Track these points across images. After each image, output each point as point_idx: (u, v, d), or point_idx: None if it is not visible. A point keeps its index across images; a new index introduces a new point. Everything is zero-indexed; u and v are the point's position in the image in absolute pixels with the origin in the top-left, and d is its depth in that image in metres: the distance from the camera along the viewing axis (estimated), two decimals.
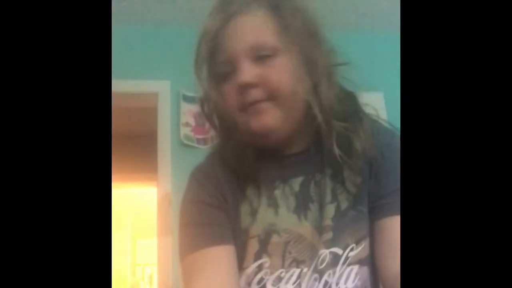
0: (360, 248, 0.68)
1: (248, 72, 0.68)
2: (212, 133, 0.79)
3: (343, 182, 0.70)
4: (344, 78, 0.82)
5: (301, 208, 0.70)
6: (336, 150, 0.69)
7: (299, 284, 0.67)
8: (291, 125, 0.70)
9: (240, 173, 0.74)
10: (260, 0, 0.71)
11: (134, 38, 2.36)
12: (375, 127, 0.75)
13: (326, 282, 0.67)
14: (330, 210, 0.69)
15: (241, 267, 0.70)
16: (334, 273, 0.67)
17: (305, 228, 0.69)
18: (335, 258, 0.68)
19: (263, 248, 0.70)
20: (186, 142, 2.28)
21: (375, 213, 0.70)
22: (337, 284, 0.67)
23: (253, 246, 0.71)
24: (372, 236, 0.70)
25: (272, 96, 0.68)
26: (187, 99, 2.29)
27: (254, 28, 0.69)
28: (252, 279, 0.70)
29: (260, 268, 0.70)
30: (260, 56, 0.68)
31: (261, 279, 0.69)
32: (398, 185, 0.65)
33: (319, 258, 0.68)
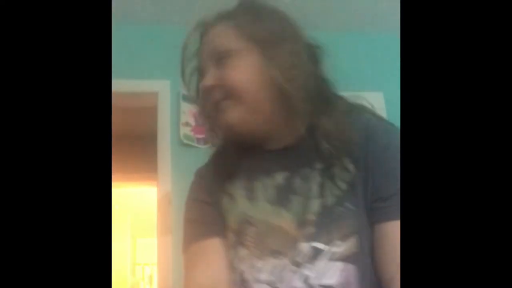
0: (345, 245, 0.67)
1: (210, 75, 0.75)
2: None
3: (333, 178, 0.70)
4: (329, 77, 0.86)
5: (282, 200, 0.71)
6: (323, 143, 0.71)
7: (275, 274, 0.68)
8: (256, 120, 0.74)
9: (222, 169, 0.80)
10: (229, 13, 0.80)
11: (134, 38, 2.36)
12: (371, 125, 0.75)
13: (305, 276, 0.67)
14: (315, 204, 0.69)
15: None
16: (314, 267, 0.67)
17: (285, 220, 0.70)
18: (317, 253, 0.67)
19: (240, 239, 0.73)
20: (186, 141, 2.28)
21: (374, 216, 0.69)
22: (316, 278, 0.66)
23: (231, 237, 0.74)
24: (372, 240, 0.69)
25: (231, 95, 0.73)
26: (187, 98, 2.29)
27: (217, 36, 0.77)
28: (233, 270, 0.72)
29: (239, 259, 0.72)
30: (221, 60, 0.75)
31: (242, 271, 0.71)
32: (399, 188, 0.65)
33: (298, 251, 0.68)
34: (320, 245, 0.67)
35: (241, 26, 0.76)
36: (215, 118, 0.76)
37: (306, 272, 0.67)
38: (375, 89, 2.37)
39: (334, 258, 0.67)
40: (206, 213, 0.80)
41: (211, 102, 0.76)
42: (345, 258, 0.67)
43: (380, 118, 0.79)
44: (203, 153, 0.95)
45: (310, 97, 0.74)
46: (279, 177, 0.74)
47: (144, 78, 2.35)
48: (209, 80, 0.75)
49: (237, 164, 0.79)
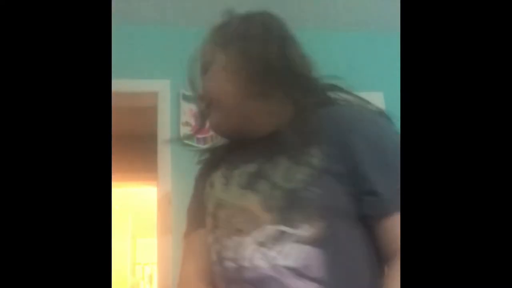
0: (311, 229, 0.68)
1: (199, 87, 0.85)
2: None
3: (299, 163, 0.72)
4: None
5: (252, 185, 0.75)
6: (289, 131, 0.76)
7: (239, 253, 0.72)
8: (234, 120, 0.81)
9: (210, 163, 0.91)
10: (216, 31, 0.86)
11: (134, 38, 2.36)
12: (356, 117, 0.76)
13: (267, 256, 0.69)
14: (280, 190, 0.72)
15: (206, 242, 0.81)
16: (277, 248, 0.68)
17: (252, 202, 0.73)
18: (281, 235, 0.69)
19: (216, 222, 0.78)
20: (186, 141, 2.29)
21: (365, 208, 0.70)
22: (278, 259, 0.68)
23: (209, 221, 0.81)
24: (363, 231, 0.71)
25: (211, 103, 0.83)
26: (187, 98, 2.29)
27: (203, 53, 0.86)
28: (211, 251, 0.78)
29: (215, 240, 0.78)
30: (204, 71, 0.84)
31: (217, 250, 0.76)
32: (395, 185, 0.64)
33: (262, 232, 0.70)
34: (283, 228, 0.69)
35: (218, 45, 0.84)
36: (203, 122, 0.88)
37: (269, 252, 0.69)
38: (375, 89, 2.37)
39: (297, 240, 0.68)
40: (194, 206, 0.91)
41: (200, 109, 0.89)
42: (309, 242, 0.68)
43: (374, 112, 0.78)
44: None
45: (282, 95, 0.80)
46: (254, 165, 0.78)
47: (144, 78, 2.35)
48: (196, 92, 0.86)
49: (222, 156, 0.88)
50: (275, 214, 0.70)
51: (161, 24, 2.42)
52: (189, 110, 2.30)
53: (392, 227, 0.67)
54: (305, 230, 0.68)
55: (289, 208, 0.70)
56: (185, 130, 2.32)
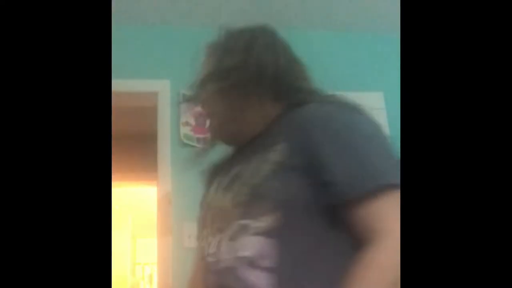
0: (266, 221, 0.72)
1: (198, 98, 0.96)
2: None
3: (264, 161, 0.77)
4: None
5: (229, 186, 0.82)
6: (264, 132, 0.84)
7: (217, 248, 0.78)
8: (224, 128, 0.89)
9: (210, 171, 0.97)
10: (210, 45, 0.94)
11: (134, 38, 2.36)
12: (311, 114, 0.77)
13: (233, 248, 0.75)
14: (246, 186, 0.77)
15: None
16: (240, 241, 0.74)
17: (227, 203, 0.80)
18: (244, 229, 0.74)
19: (204, 223, 0.86)
20: (186, 141, 2.28)
21: (325, 199, 0.71)
22: (239, 250, 0.73)
23: (200, 224, 0.89)
24: (328, 220, 0.72)
25: (206, 113, 0.91)
26: (187, 98, 2.29)
27: (203, 63, 0.93)
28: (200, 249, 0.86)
29: (202, 238, 0.85)
30: (201, 84, 0.91)
31: (203, 248, 0.84)
32: (355, 173, 0.67)
33: (232, 227, 0.76)
34: (246, 222, 0.74)
35: (213, 59, 0.90)
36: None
37: (234, 245, 0.75)
38: (375, 89, 2.37)
39: (255, 232, 0.72)
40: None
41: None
42: (265, 233, 0.72)
43: (342, 108, 0.80)
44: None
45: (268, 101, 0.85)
46: (238, 167, 0.83)
47: (144, 77, 2.35)
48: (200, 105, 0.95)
49: (222, 166, 0.94)
50: (241, 209, 0.76)
51: (161, 24, 2.42)
52: (189, 110, 2.30)
53: (356, 214, 0.68)
54: (262, 222, 0.72)
55: (251, 202, 0.75)
56: (185, 130, 2.32)
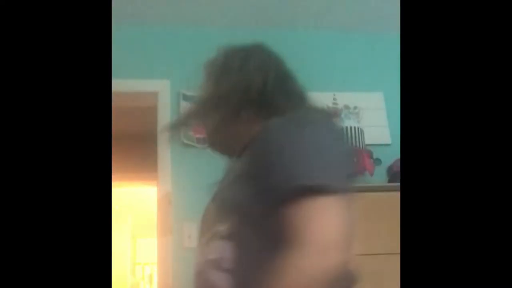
0: (226, 226, 0.78)
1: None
2: None
3: (232, 171, 0.85)
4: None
5: (214, 196, 0.89)
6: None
7: (197, 253, 0.84)
8: (217, 135, 0.95)
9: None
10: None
11: (134, 38, 2.36)
12: (276, 124, 0.80)
13: (204, 253, 0.81)
14: (219, 194, 0.85)
15: None
16: (209, 246, 0.80)
17: (209, 211, 0.88)
18: (215, 234, 0.80)
19: (199, 232, 0.91)
20: (186, 141, 2.28)
21: (266, 204, 0.74)
22: (206, 254, 0.80)
23: (200, 233, 0.92)
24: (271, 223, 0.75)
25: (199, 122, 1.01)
26: (187, 98, 2.29)
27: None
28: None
29: (197, 246, 0.90)
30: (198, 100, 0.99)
31: (197, 254, 0.87)
32: (292, 182, 0.69)
33: (209, 234, 0.82)
34: (218, 227, 0.80)
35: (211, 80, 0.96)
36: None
37: (206, 249, 0.81)
38: (375, 89, 2.38)
39: (221, 236, 0.78)
40: None
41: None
42: (225, 236, 0.77)
43: (303, 121, 0.81)
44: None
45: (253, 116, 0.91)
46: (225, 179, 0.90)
47: (144, 77, 2.35)
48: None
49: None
50: (215, 216, 0.83)
51: (161, 24, 2.42)
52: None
53: (285, 217, 0.70)
54: (224, 227, 0.78)
55: (219, 209, 0.83)
56: (185, 130, 2.32)
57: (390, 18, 2.33)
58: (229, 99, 0.90)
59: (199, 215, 0.92)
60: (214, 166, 1.03)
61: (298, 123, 0.78)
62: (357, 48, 2.52)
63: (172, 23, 2.43)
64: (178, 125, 1.33)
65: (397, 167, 2.01)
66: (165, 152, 2.32)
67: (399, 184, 1.54)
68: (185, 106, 2.33)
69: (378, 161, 2.11)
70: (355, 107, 2.35)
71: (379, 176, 2.10)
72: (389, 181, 2.05)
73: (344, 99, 2.35)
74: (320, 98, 2.53)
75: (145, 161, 3.32)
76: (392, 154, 2.10)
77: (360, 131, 2.04)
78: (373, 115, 2.33)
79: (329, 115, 0.84)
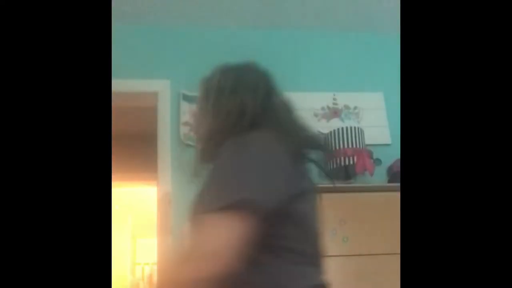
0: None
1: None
2: None
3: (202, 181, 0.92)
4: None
5: None
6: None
7: None
8: (209, 135, 0.99)
9: None
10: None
11: (134, 38, 2.36)
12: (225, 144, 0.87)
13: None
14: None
15: None
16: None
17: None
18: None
19: None
20: (186, 141, 2.28)
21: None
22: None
23: None
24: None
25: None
26: (187, 98, 2.29)
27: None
28: None
29: None
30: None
31: None
32: (215, 198, 0.76)
33: None
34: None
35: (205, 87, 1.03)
36: None
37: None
38: (375, 89, 2.38)
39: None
40: None
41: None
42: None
43: (242, 138, 0.87)
44: None
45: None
46: None
47: (144, 77, 2.34)
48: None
49: None
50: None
51: (161, 24, 2.42)
52: (188, 110, 2.30)
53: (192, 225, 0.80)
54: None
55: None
56: (185, 130, 2.32)
57: (390, 18, 2.33)
58: (223, 118, 0.96)
59: None
60: None
61: (242, 144, 0.83)
62: (357, 48, 2.52)
63: (173, 23, 2.43)
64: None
65: (397, 167, 2.01)
66: (165, 152, 2.32)
67: (399, 184, 1.54)
68: (185, 106, 2.34)
69: (378, 161, 2.11)
70: (355, 107, 2.35)
71: (379, 176, 2.10)
72: (389, 181, 2.05)
73: (344, 99, 2.35)
74: (320, 98, 2.53)
75: (145, 161, 3.32)
76: (392, 154, 2.10)
77: (360, 131, 2.04)
78: (373, 115, 2.33)
79: (277, 138, 0.86)
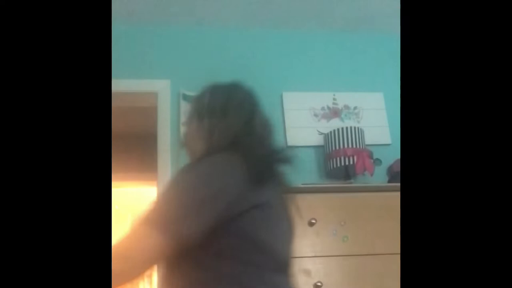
0: None
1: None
2: None
3: None
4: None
5: None
6: None
7: None
8: (203, 146, 1.05)
9: None
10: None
11: (134, 38, 2.36)
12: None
13: None
14: None
15: None
16: None
17: None
18: None
19: None
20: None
21: None
22: None
23: None
24: None
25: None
26: (187, 98, 2.29)
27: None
28: None
29: None
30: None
31: None
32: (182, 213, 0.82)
33: None
34: None
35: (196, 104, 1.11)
36: None
37: None
38: (375, 89, 2.38)
39: None
40: None
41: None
42: None
43: (213, 157, 0.93)
44: None
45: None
46: None
47: (144, 77, 2.34)
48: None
49: None
50: None
51: (161, 24, 2.42)
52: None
53: None
54: None
55: None
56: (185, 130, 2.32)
57: (390, 18, 2.33)
58: (212, 137, 1.01)
59: None
60: None
61: (191, 169, 0.90)
62: (357, 48, 2.52)
63: (172, 23, 2.43)
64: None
65: (397, 167, 2.01)
66: (165, 152, 2.32)
67: (399, 184, 1.54)
68: (185, 106, 2.34)
69: (378, 161, 2.11)
70: (355, 107, 2.34)
71: (379, 176, 2.10)
72: (389, 181, 2.05)
73: (344, 99, 2.35)
74: (320, 98, 2.53)
75: (145, 161, 3.32)
76: (392, 154, 2.10)
77: (360, 131, 2.04)
78: (373, 115, 2.33)
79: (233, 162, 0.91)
